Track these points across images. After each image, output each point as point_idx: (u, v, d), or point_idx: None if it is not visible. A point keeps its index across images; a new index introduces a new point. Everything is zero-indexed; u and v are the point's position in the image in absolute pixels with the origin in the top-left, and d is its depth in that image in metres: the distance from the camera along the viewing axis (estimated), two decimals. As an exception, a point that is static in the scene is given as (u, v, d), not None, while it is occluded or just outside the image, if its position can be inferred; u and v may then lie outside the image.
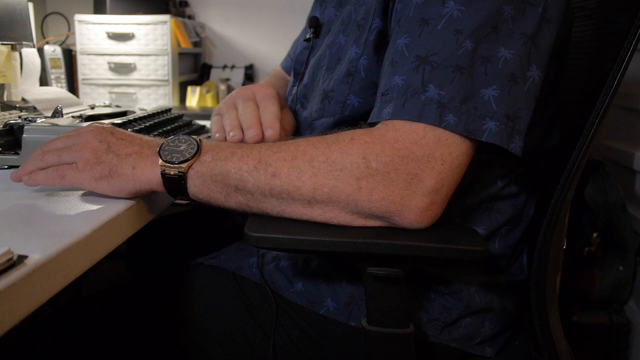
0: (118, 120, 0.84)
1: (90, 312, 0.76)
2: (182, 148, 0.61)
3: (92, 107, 1.04)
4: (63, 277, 0.46)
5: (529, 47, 0.59)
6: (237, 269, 0.77)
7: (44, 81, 1.34)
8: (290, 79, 0.92)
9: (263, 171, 0.59)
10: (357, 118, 0.70)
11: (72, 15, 1.52)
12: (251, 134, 0.73)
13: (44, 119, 0.83)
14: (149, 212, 0.66)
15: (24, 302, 0.41)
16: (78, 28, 1.49)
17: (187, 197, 0.62)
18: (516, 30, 0.58)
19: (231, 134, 0.74)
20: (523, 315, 0.78)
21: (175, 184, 0.60)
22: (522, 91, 0.59)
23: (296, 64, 0.88)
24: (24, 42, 1.20)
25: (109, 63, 1.51)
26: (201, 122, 1.12)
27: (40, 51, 1.34)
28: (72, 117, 0.88)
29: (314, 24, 0.83)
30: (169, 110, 1.08)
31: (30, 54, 1.23)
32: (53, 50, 1.40)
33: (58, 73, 1.41)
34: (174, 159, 0.60)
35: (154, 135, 0.77)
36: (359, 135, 0.58)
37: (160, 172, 0.60)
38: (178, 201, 0.64)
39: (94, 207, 0.59)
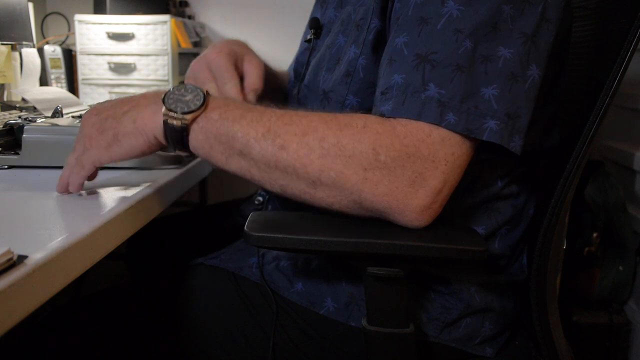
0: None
1: (90, 312, 0.76)
2: (187, 98, 0.59)
3: (92, 107, 1.04)
4: (63, 277, 0.46)
5: (528, 46, 0.59)
6: (237, 269, 0.77)
7: (44, 81, 1.34)
8: (291, 79, 0.92)
9: (271, 141, 0.58)
10: None
11: (72, 15, 1.52)
12: None
13: (44, 119, 0.83)
14: (149, 212, 0.66)
15: (24, 302, 0.41)
16: (78, 28, 1.49)
17: (188, 150, 0.61)
18: (515, 29, 0.58)
19: None
20: (523, 315, 0.78)
21: (177, 135, 0.59)
22: (522, 90, 0.59)
23: (297, 65, 0.89)
24: (24, 42, 1.20)
25: (109, 63, 1.51)
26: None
27: (40, 51, 1.34)
28: (72, 117, 0.88)
29: (315, 25, 0.84)
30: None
31: (30, 54, 1.23)
32: (53, 50, 1.40)
33: (58, 73, 1.41)
34: (177, 109, 0.59)
35: None
36: (372, 123, 0.58)
37: (162, 121, 0.59)
38: (178, 152, 0.63)
39: (94, 207, 0.59)
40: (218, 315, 0.72)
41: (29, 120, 0.82)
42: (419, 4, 0.60)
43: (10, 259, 0.41)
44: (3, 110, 1.03)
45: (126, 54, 1.52)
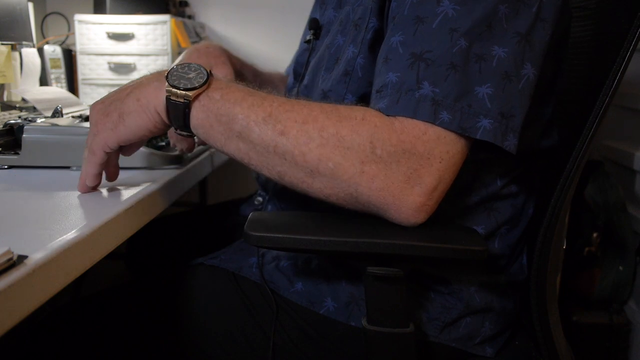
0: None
1: (90, 312, 0.76)
2: (191, 76, 0.60)
3: (92, 107, 1.03)
4: (63, 277, 0.46)
5: (522, 46, 0.59)
6: (237, 269, 0.77)
7: (44, 81, 1.34)
8: (291, 79, 0.92)
9: (272, 126, 0.58)
10: None
11: (72, 15, 1.52)
12: None
13: (44, 119, 0.83)
14: (149, 212, 0.66)
15: (24, 302, 0.41)
16: (78, 28, 1.49)
17: (189, 129, 0.62)
18: (510, 29, 0.59)
19: None
20: (523, 315, 0.78)
21: (178, 111, 0.59)
22: (516, 89, 0.59)
23: (296, 65, 0.89)
24: (24, 42, 1.20)
25: (109, 63, 1.51)
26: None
27: (40, 51, 1.34)
28: (72, 117, 0.88)
29: (314, 26, 0.84)
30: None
31: (30, 54, 1.23)
32: (53, 50, 1.40)
33: (58, 73, 1.41)
34: (180, 85, 0.59)
35: None
36: (371, 116, 0.58)
37: (164, 97, 0.59)
38: (179, 132, 0.63)
39: (94, 207, 0.59)
40: (218, 315, 0.72)
41: (29, 120, 0.82)
42: (415, 3, 0.60)
43: (10, 259, 0.41)
44: (3, 110, 1.03)
45: (126, 54, 1.52)
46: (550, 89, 0.71)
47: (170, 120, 0.61)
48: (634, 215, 1.32)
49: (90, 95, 1.52)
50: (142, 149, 0.75)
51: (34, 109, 1.01)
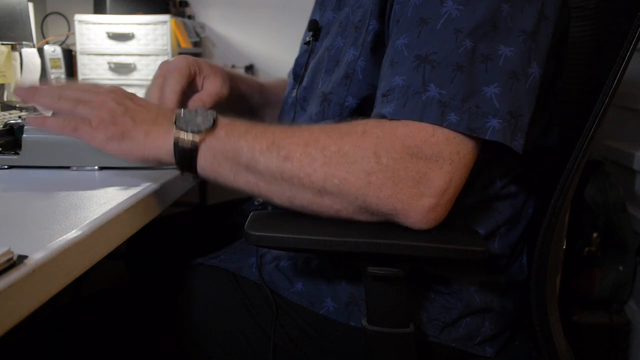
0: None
1: (90, 312, 0.76)
2: (198, 120, 0.61)
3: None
4: (63, 277, 0.46)
5: (529, 44, 0.59)
6: (237, 269, 0.77)
7: (44, 81, 1.34)
8: (290, 81, 0.92)
9: (275, 153, 0.59)
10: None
11: (72, 15, 1.52)
12: None
13: (44, 119, 0.83)
14: (149, 212, 0.66)
15: (24, 302, 0.41)
16: (78, 28, 1.49)
17: (195, 172, 0.62)
18: (515, 27, 0.58)
19: None
20: (523, 315, 0.78)
21: (186, 155, 0.60)
22: (523, 88, 0.59)
23: (296, 67, 0.89)
24: (24, 42, 1.20)
25: (109, 63, 1.51)
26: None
27: (40, 51, 1.34)
28: (72, 117, 0.88)
29: (314, 27, 0.84)
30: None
31: (30, 54, 1.24)
32: (53, 50, 1.40)
33: (58, 73, 1.41)
34: (188, 128, 0.60)
35: None
36: (371, 128, 0.58)
37: (173, 142, 0.60)
38: (185, 174, 0.64)
39: (94, 207, 0.59)
40: (218, 315, 0.72)
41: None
42: (418, 5, 0.60)
43: (10, 259, 0.41)
44: (3, 110, 1.03)
45: (126, 54, 1.52)
46: (551, 89, 0.71)
47: (176, 163, 0.62)
48: (634, 215, 1.32)
49: (90, 95, 1.52)
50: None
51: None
